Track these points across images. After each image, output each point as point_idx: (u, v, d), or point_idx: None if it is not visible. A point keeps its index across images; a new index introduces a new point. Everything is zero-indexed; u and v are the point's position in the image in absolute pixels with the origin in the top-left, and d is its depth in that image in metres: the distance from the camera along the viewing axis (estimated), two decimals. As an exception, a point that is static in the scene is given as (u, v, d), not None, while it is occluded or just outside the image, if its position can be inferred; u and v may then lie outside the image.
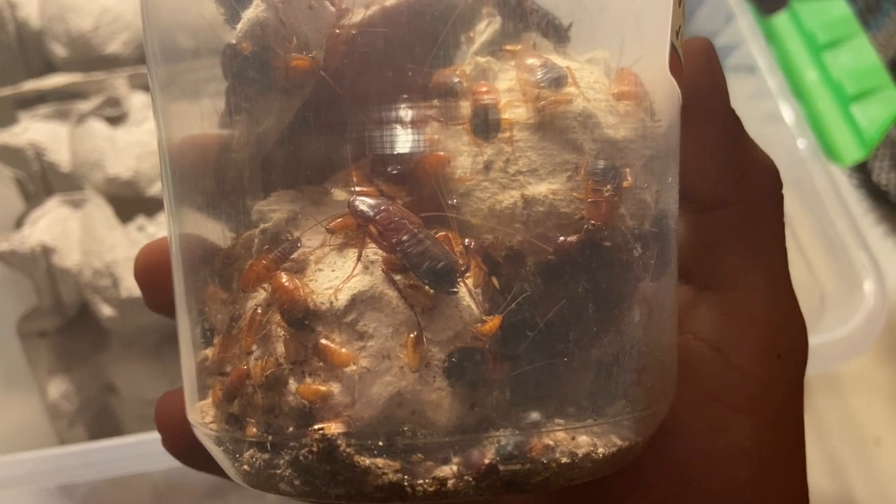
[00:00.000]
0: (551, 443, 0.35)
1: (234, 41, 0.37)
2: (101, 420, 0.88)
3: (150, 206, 0.87)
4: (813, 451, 0.86)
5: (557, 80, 0.36)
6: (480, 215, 0.36)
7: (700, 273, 0.42)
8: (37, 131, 0.87)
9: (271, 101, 0.37)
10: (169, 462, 0.73)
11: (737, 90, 1.00)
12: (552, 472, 0.35)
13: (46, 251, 0.82)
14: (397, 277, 0.35)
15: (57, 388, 0.85)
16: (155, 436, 0.73)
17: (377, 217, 0.35)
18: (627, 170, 0.37)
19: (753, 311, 0.42)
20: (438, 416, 0.35)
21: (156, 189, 0.87)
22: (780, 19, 1.05)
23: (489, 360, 0.35)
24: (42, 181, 0.88)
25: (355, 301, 0.35)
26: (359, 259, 0.35)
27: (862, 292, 0.83)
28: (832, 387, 0.92)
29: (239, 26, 0.37)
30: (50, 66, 0.93)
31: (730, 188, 0.42)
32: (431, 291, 0.35)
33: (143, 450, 0.74)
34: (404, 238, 0.35)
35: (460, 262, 0.35)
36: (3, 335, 0.87)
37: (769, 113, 0.93)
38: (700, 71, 0.40)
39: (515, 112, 0.36)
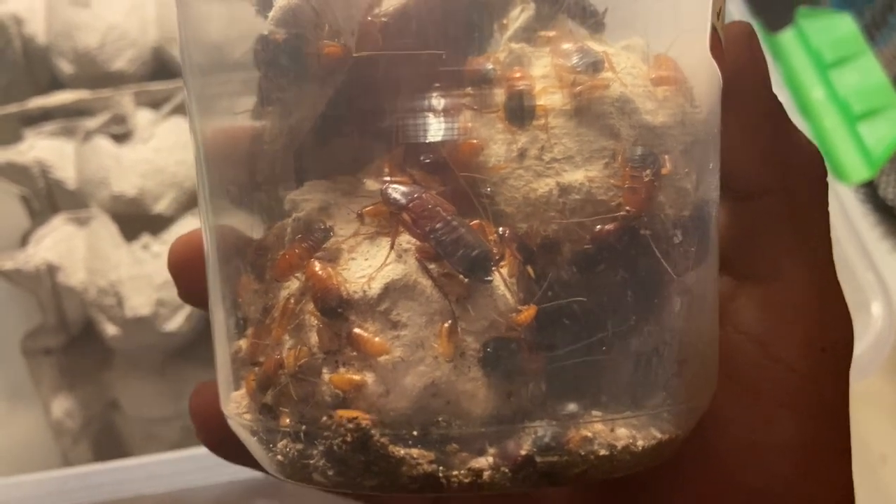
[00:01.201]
0: (589, 434, 0.34)
1: (266, 32, 0.37)
2: (105, 438, 0.87)
3: (155, 224, 0.86)
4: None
5: (594, 65, 0.36)
6: (515, 203, 0.36)
7: (740, 263, 0.42)
8: (42, 148, 0.87)
9: (304, 90, 0.37)
10: (172, 484, 0.73)
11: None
12: (590, 464, 0.34)
13: (51, 269, 0.82)
14: (431, 266, 0.35)
15: (61, 405, 0.84)
16: (158, 457, 0.74)
17: (410, 205, 0.35)
18: (666, 156, 0.36)
19: (796, 303, 0.41)
20: (473, 406, 0.34)
21: (161, 207, 0.86)
22: (786, 36, 1.04)
23: (525, 350, 0.34)
24: (48, 199, 0.88)
25: (388, 290, 0.34)
26: (392, 247, 0.35)
27: (869, 314, 0.82)
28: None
29: (271, 14, 0.36)
30: (56, 83, 0.93)
31: (772, 175, 0.41)
32: (466, 280, 0.34)
33: (147, 472, 0.74)
34: (438, 226, 0.34)
35: (494, 250, 0.35)
36: (8, 352, 0.87)
37: (775, 132, 0.92)
38: (742, 55, 0.39)
39: (551, 98, 0.36)
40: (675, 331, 0.36)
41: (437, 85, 0.36)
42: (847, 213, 0.89)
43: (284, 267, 0.36)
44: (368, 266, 0.35)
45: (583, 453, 0.34)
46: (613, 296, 0.35)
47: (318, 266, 0.35)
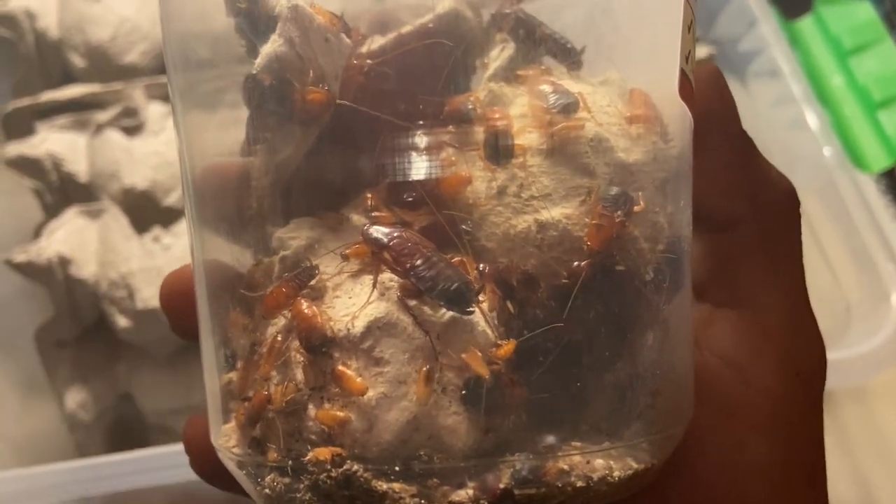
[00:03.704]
0: (566, 467, 0.35)
1: (254, 71, 0.37)
2: (118, 429, 0.88)
3: (166, 217, 0.87)
4: (839, 463, 0.86)
5: (568, 107, 0.37)
6: (495, 240, 0.37)
7: (716, 291, 0.43)
8: (55, 142, 0.88)
9: (290, 131, 0.37)
10: (185, 475, 0.74)
11: (760, 96, 0.99)
12: (567, 495, 0.35)
13: (64, 262, 0.83)
14: (413, 303, 0.35)
15: (74, 397, 0.86)
16: (171, 448, 0.75)
17: (391, 243, 0.35)
18: (640, 193, 0.37)
19: (770, 329, 0.42)
20: (454, 440, 0.35)
21: (172, 199, 0.87)
22: (805, 23, 1.03)
23: (504, 385, 0.35)
24: (60, 192, 0.89)
25: (371, 328, 0.35)
26: (374, 286, 0.36)
27: (889, 305, 0.83)
28: (858, 398, 0.91)
29: (257, 61, 0.37)
30: (68, 77, 0.94)
31: (745, 207, 0.42)
32: (448, 313, 0.35)
33: (161, 462, 0.75)
34: (418, 262, 0.35)
35: (474, 282, 0.35)
36: (22, 345, 0.88)
37: (793, 119, 0.92)
38: (711, 96, 0.41)
39: (528, 138, 0.37)
40: (649, 362, 0.37)
41: (420, 124, 0.37)
42: (867, 204, 0.89)
43: (272, 305, 0.37)
44: (352, 304, 0.36)
45: (560, 485, 0.35)
46: (589, 330, 0.36)
47: (303, 304, 0.36)
